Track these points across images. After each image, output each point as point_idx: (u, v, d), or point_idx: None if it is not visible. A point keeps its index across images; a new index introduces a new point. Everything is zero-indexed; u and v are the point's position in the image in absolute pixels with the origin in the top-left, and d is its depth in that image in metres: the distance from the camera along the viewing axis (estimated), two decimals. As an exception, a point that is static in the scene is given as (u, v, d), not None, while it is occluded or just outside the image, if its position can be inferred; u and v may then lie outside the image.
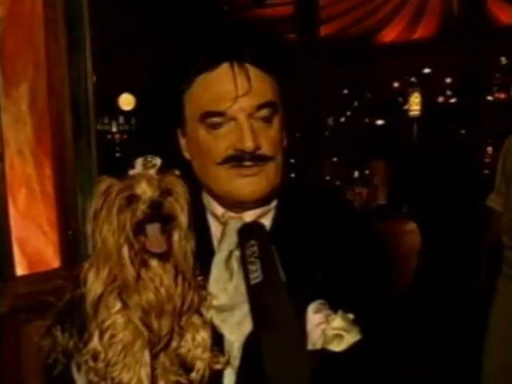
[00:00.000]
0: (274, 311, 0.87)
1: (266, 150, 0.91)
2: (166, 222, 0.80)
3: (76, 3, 1.88)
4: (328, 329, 0.85)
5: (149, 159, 0.83)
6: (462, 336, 4.10)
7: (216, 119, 0.90)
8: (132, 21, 9.61)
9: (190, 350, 0.85)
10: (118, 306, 0.80)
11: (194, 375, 0.85)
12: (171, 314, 0.83)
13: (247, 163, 0.90)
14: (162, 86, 1.03)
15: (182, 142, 0.99)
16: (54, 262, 1.84)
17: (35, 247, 1.82)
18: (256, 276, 0.89)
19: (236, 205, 0.95)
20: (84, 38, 1.88)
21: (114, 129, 11.43)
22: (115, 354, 0.79)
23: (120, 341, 0.79)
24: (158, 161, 0.83)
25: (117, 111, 10.91)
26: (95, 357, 0.80)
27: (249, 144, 0.89)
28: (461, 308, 4.67)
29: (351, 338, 0.84)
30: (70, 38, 1.86)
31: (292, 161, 7.81)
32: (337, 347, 0.84)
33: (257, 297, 0.89)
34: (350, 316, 0.86)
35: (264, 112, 0.91)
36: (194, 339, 0.85)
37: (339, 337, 0.84)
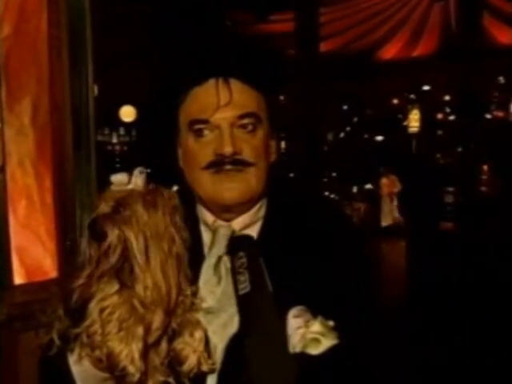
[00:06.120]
0: (261, 320, 0.92)
1: (246, 155, 0.97)
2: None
3: (79, 20, 1.94)
4: (307, 333, 0.88)
5: (136, 171, 0.88)
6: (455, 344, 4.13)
7: (200, 126, 0.98)
8: (134, 36, 9.72)
9: (187, 346, 0.88)
10: (116, 286, 0.85)
11: (184, 368, 0.87)
12: (164, 310, 0.85)
13: (227, 167, 0.96)
14: (161, 101, 1.14)
15: (180, 152, 1.05)
16: (52, 271, 1.87)
17: (33, 257, 1.86)
18: (244, 286, 0.94)
19: (222, 209, 1.00)
20: (86, 55, 1.93)
21: (115, 140, 11.48)
22: (111, 328, 0.83)
23: (117, 318, 0.83)
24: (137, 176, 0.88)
25: (117, 122, 10.96)
26: (90, 333, 0.83)
27: (228, 148, 0.95)
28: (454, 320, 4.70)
29: (328, 342, 0.87)
30: (72, 54, 1.91)
31: (291, 175, 7.86)
32: (314, 351, 0.87)
33: (245, 306, 0.94)
34: (330, 323, 0.89)
35: (246, 121, 0.98)
36: (192, 335, 0.88)
37: (316, 341, 0.87)
